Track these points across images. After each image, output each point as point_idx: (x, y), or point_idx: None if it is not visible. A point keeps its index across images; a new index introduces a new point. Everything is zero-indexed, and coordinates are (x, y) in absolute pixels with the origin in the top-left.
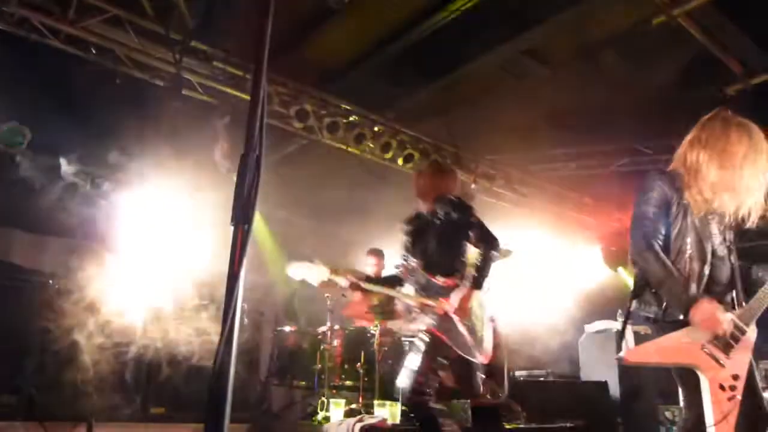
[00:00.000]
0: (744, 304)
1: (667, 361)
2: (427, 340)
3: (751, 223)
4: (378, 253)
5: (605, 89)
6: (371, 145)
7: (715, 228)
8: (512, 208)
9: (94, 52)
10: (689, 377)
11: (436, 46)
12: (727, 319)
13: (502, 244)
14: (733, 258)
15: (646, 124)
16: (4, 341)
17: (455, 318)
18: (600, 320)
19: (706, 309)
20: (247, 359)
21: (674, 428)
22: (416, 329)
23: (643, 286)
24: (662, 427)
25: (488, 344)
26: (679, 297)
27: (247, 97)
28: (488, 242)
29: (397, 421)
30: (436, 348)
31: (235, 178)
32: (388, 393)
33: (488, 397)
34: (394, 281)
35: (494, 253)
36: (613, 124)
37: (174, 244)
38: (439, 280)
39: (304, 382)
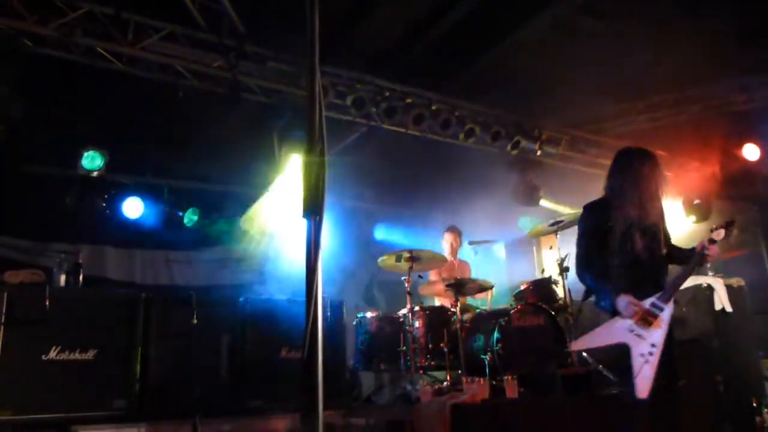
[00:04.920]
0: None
1: (605, 343)
2: None
3: (662, 222)
4: (455, 231)
5: (667, 36)
6: (431, 124)
7: (637, 236)
8: (583, 170)
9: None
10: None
11: (486, 14)
12: (641, 304)
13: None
14: (655, 256)
15: (715, 67)
16: (112, 349)
17: None
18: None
19: (623, 301)
20: (333, 348)
21: None
22: None
23: (590, 291)
24: (767, 383)
25: None
26: (607, 295)
27: (304, 93)
28: None
29: (486, 396)
30: None
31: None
32: (475, 369)
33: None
34: None
35: None
36: (679, 71)
37: None
38: None
39: (390, 366)
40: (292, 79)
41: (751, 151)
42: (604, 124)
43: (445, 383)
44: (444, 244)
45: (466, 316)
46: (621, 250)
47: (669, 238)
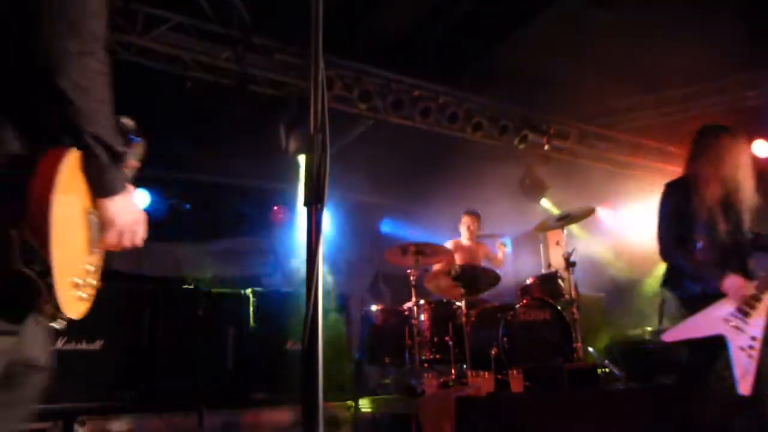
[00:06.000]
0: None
1: (700, 334)
2: None
3: (747, 204)
4: (474, 214)
5: (677, 31)
6: (438, 118)
7: (720, 217)
8: (592, 165)
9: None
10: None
11: (495, 7)
12: (750, 285)
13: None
14: (740, 238)
15: (725, 62)
16: (119, 340)
17: None
18: None
19: (734, 281)
20: (339, 341)
21: None
22: None
23: (679, 278)
24: None
25: None
26: (712, 278)
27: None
28: None
29: (492, 390)
30: None
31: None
32: (480, 363)
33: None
34: None
35: None
36: (690, 66)
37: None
38: None
39: (395, 359)
40: (299, 71)
41: (761, 147)
42: (614, 118)
43: (450, 377)
44: (461, 227)
45: (473, 311)
46: (704, 233)
47: (755, 223)
